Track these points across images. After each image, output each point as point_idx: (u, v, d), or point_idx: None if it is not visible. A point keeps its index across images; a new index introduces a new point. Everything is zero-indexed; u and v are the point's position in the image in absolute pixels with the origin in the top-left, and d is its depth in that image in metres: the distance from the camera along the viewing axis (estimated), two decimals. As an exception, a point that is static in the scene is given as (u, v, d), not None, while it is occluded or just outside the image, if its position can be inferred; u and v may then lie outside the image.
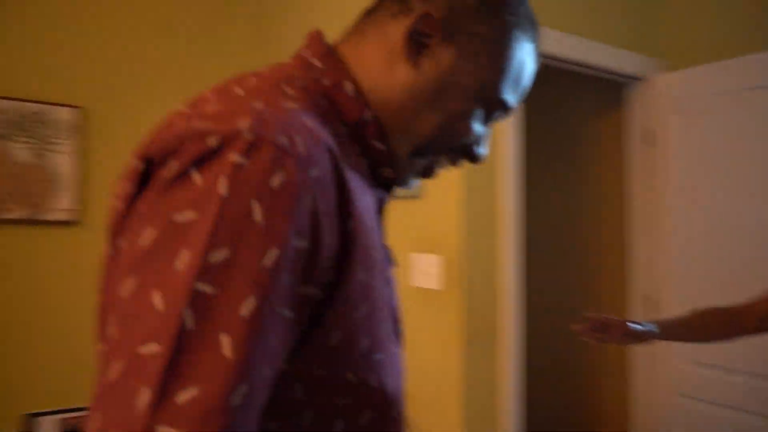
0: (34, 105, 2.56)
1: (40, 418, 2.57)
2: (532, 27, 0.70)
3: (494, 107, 0.69)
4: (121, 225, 0.55)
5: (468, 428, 2.07)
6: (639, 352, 2.62)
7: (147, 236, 0.50)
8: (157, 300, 0.47)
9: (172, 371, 0.45)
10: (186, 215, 0.49)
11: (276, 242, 0.49)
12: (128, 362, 0.46)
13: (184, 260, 0.48)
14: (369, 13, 0.69)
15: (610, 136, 2.90)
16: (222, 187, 0.49)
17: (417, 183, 0.73)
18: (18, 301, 2.56)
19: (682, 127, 2.48)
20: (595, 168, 3.00)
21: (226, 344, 0.46)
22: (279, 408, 0.56)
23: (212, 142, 0.51)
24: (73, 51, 2.66)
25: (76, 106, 2.64)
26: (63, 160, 2.62)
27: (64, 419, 2.61)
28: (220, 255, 0.48)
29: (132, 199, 0.54)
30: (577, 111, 3.08)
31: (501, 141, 2.13)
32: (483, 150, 0.72)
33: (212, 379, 0.45)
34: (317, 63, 0.67)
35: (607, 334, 1.46)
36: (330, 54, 0.67)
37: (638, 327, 1.49)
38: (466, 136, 0.68)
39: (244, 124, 0.52)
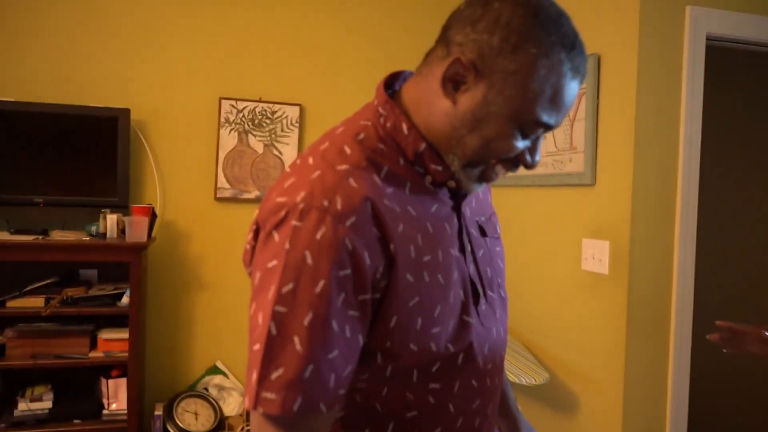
0: (266, 105, 3.12)
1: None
2: (566, 50, 0.79)
3: (532, 127, 0.82)
4: (249, 266, 0.85)
5: (628, 408, 2.13)
6: None
7: (257, 276, 0.79)
8: (260, 318, 0.77)
9: (267, 360, 0.75)
10: (272, 263, 0.77)
11: (322, 276, 0.75)
12: (249, 356, 0.78)
13: (271, 292, 0.76)
14: (427, 56, 0.87)
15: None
16: (287, 243, 0.76)
17: (480, 186, 0.89)
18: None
19: None
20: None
21: (297, 342, 0.75)
22: (366, 370, 0.84)
23: (282, 213, 0.78)
24: (293, 58, 3.18)
25: (297, 104, 3.16)
26: (288, 150, 3.16)
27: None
28: (288, 287, 0.75)
29: (253, 249, 0.84)
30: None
31: (676, 130, 2.13)
32: (532, 159, 0.86)
33: (290, 363, 0.74)
34: (381, 110, 0.88)
35: (741, 343, 1.45)
36: (388, 101, 0.87)
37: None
38: (509, 152, 0.83)
39: (300, 197, 0.78)
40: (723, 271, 3.28)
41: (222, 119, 3.05)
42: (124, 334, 2.70)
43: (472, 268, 0.91)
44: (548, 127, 0.83)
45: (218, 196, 3.07)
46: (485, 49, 0.79)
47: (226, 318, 3.13)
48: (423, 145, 0.85)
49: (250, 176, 3.12)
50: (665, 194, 2.13)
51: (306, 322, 0.74)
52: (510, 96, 0.79)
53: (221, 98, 3.05)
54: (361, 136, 0.85)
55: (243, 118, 3.08)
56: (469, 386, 0.90)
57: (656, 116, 2.11)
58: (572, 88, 0.81)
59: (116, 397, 2.74)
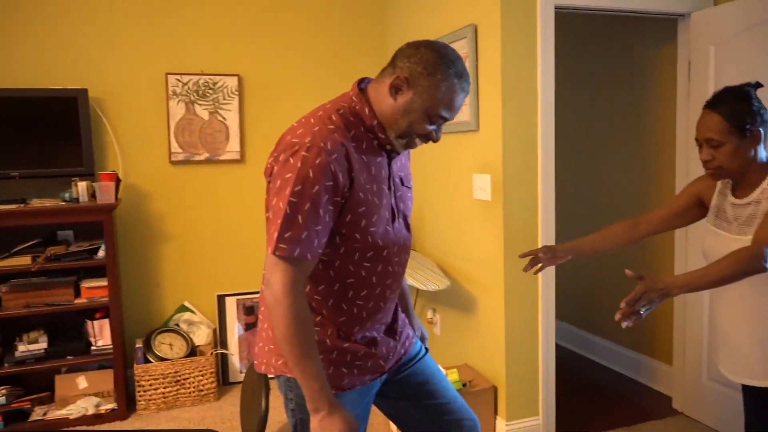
0: (207, 77, 3.57)
1: (227, 298, 3.70)
2: (458, 76, 1.39)
3: (436, 119, 1.43)
4: (270, 176, 1.40)
5: (508, 301, 2.76)
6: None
7: (278, 182, 1.35)
8: (280, 204, 1.33)
9: (283, 227, 1.33)
10: (288, 175, 1.33)
11: (317, 183, 1.32)
12: (273, 225, 1.35)
13: (287, 190, 1.32)
14: (383, 70, 1.46)
15: (666, 69, 3.19)
16: (299, 164, 1.32)
17: (405, 149, 1.49)
18: (206, 216, 3.67)
19: (716, 58, 2.80)
20: (651, 98, 3.32)
21: (300, 219, 1.33)
22: (329, 246, 1.43)
23: (296, 147, 1.34)
24: (232, 33, 3.62)
25: (235, 75, 3.62)
26: (230, 115, 3.63)
27: (241, 300, 3.72)
28: (298, 188, 1.32)
29: (272, 168, 1.39)
30: (639, 47, 3.38)
31: (534, 85, 2.69)
32: (436, 136, 1.46)
33: (295, 229, 1.33)
34: (354, 98, 1.46)
35: (541, 261, 1.99)
36: (358, 94, 1.45)
37: (557, 248, 1.98)
38: (423, 131, 1.44)
39: (307, 139, 1.34)
40: (577, 194, 3.93)
41: (170, 92, 3.50)
42: (103, 282, 3.20)
43: (393, 200, 1.52)
44: (445, 119, 1.44)
45: (172, 159, 3.54)
46: (414, 73, 1.40)
47: (190, 264, 3.66)
48: (375, 122, 1.45)
49: (199, 141, 3.59)
50: (528, 136, 2.71)
51: (306, 207, 1.33)
52: (425, 100, 1.40)
53: (167, 73, 3.48)
54: (341, 111, 1.44)
55: (188, 90, 3.53)
56: (385, 269, 1.52)
57: (517, 74, 2.67)
58: (460, 98, 1.43)
59: (102, 335, 3.26)
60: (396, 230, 1.52)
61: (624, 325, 1.47)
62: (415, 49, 1.40)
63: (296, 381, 1.43)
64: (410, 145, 1.47)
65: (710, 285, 1.52)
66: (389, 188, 1.49)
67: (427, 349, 1.79)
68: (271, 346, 1.52)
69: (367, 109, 1.43)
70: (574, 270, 4.15)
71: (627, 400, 3.37)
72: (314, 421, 1.37)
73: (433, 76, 1.37)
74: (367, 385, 1.56)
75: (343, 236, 1.43)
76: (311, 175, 1.31)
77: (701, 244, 1.86)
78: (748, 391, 1.80)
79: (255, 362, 1.59)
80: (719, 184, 1.84)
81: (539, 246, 2.76)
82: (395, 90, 1.40)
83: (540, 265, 2.02)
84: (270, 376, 1.58)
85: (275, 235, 1.32)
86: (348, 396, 1.52)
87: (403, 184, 1.57)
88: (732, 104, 1.65)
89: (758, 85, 1.72)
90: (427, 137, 1.46)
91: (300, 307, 1.35)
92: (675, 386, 3.24)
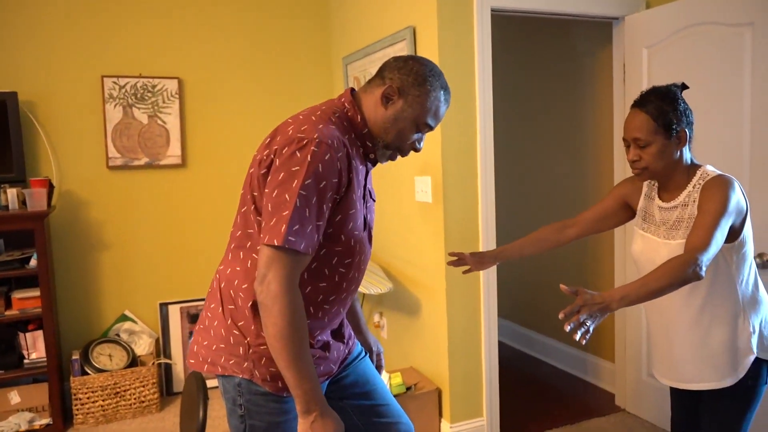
0: (146, 79, 3.48)
1: (170, 306, 3.61)
2: (444, 89, 1.48)
3: (423, 127, 1.49)
4: (265, 168, 1.38)
5: (450, 303, 2.76)
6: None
7: (281, 174, 1.33)
8: (287, 197, 1.31)
9: (293, 220, 1.31)
10: (295, 168, 1.32)
11: (324, 179, 1.34)
12: (274, 217, 1.31)
13: (295, 183, 1.31)
14: (369, 82, 1.52)
15: (604, 71, 3.26)
16: (308, 158, 1.32)
17: (385, 161, 1.54)
18: (147, 223, 3.58)
19: (650, 61, 2.87)
20: (590, 100, 3.39)
21: (307, 213, 1.32)
22: (321, 243, 1.42)
23: (304, 141, 1.34)
24: (171, 34, 3.54)
25: (175, 78, 3.54)
26: (171, 119, 3.55)
27: (185, 307, 3.63)
28: (307, 182, 1.31)
29: (270, 159, 1.37)
30: (579, 49, 3.44)
31: (472, 85, 2.70)
32: (420, 146, 1.54)
33: (303, 223, 1.32)
34: (347, 105, 1.50)
35: (468, 264, 1.99)
36: (353, 101, 1.49)
37: (485, 253, 1.99)
38: (409, 141, 1.51)
39: (314, 135, 1.35)
40: (517, 195, 3.98)
41: (106, 95, 3.40)
42: (36, 293, 3.08)
43: (364, 210, 1.54)
44: (431, 128, 1.51)
45: (110, 165, 3.44)
46: (405, 83, 1.47)
47: (130, 273, 3.55)
48: (366, 130, 1.50)
49: (138, 145, 3.49)
50: (467, 137, 2.72)
51: (314, 201, 1.33)
52: (414, 108, 1.48)
53: (103, 76, 3.38)
54: (337, 115, 1.48)
55: (126, 93, 3.44)
56: (354, 276, 1.54)
57: (456, 76, 2.67)
58: (444, 109, 1.52)
59: (35, 348, 3.14)
60: (368, 239, 1.57)
61: (577, 338, 1.43)
62: (403, 62, 1.48)
63: (248, 384, 1.44)
64: (392, 157, 1.54)
65: (649, 296, 1.48)
66: (363, 198, 1.52)
67: (380, 366, 1.84)
68: (222, 346, 1.47)
69: (359, 117, 1.48)
70: (519, 269, 4.19)
71: (571, 398, 3.41)
72: (304, 423, 1.34)
73: (423, 86, 1.45)
74: None
75: (329, 237, 1.43)
76: (321, 170, 1.33)
77: (630, 248, 1.87)
78: (685, 394, 1.85)
79: (192, 361, 1.54)
80: (645, 186, 1.86)
81: (480, 247, 2.77)
82: (386, 99, 1.47)
83: (468, 267, 2.02)
84: (210, 377, 1.53)
85: (283, 227, 1.30)
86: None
87: (371, 196, 1.61)
88: (659, 104, 1.67)
89: (684, 86, 1.75)
90: (411, 147, 1.53)
91: (299, 304, 1.33)
92: (617, 383, 3.29)
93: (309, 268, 1.43)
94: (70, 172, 3.38)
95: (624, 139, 1.74)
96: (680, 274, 1.48)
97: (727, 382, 1.69)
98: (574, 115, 3.62)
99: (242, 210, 1.45)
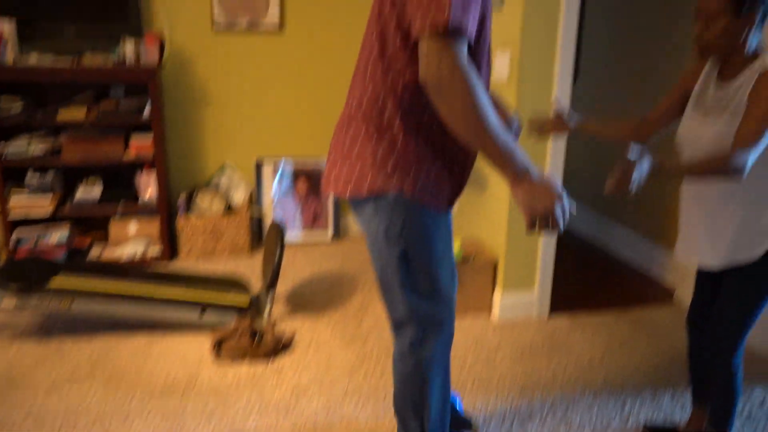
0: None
1: (265, 160, 3.96)
2: None
3: None
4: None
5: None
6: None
7: None
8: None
9: (456, 2, 1.26)
10: None
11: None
12: (436, 3, 1.27)
13: None
14: None
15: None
16: None
17: None
18: (247, 82, 3.87)
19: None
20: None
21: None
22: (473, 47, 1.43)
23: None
24: None
25: (277, -56, 3.64)
26: (272, -14, 3.70)
27: (279, 164, 3.97)
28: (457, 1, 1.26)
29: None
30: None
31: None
32: None
33: (466, 6, 1.28)
34: None
35: (550, 129, 2.02)
36: None
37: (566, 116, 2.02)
38: None
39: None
40: (606, 77, 3.81)
41: (213, -41, 3.58)
42: (149, 140, 3.50)
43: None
44: None
45: (215, 29, 3.69)
46: None
47: (230, 129, 3.91)
48: None
49: (240, 5, 3.70)
50: (551, 13, 2.68)
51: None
52: None
53: (211, -60, 3.55)
54: None
55: (231, -42, 3.60)
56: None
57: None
58: None
59: (149, 187, 3.61)
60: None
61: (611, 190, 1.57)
62: None
63: (398, 198, 1.46)
64: None
65: (685, 173, 1.61)
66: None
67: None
68: (369, 164, 1.47)
69: None
70: (587, 150, 4.13)
71: (628, 287, 3.46)
72: (521, 188, 1.32)
73: None
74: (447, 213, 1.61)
75: (474, 46, 1.43)
76: None
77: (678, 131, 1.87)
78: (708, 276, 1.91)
79: (332, 188, 1.54)
80: (706, 67, 1.83)
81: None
82: None
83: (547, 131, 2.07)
84: (363, 199, 1.51)
85: (446, 8, 1.25)
86: (445, 217, 1.58)
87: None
88: None
89: None
90: None
91: (477, 80, 1.28)
92: (677, 278, 3.30)
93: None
94: (179, 31, 3.68)
95: (695, 12, 1.70)
96: (721, 173, 1.59)
97: (754, 256, 1.73)
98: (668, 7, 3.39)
99: (375, 33, 1.44)
